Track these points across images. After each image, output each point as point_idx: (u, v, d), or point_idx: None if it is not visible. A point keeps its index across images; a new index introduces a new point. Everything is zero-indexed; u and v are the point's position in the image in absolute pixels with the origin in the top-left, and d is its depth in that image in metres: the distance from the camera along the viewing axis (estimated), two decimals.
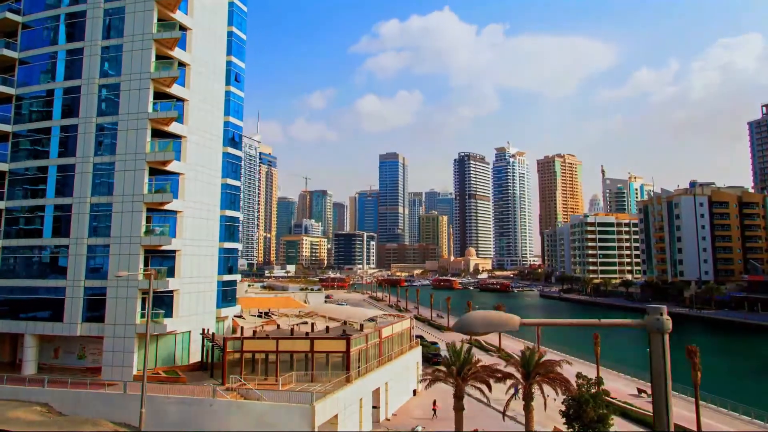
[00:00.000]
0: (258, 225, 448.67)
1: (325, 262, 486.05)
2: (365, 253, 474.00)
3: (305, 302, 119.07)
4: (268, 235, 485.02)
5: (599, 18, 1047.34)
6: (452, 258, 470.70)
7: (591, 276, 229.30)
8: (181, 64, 51.81)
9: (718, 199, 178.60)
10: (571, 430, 38.45)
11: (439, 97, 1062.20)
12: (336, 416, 39.66)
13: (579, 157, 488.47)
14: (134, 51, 48.48)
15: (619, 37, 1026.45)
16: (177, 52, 51.01)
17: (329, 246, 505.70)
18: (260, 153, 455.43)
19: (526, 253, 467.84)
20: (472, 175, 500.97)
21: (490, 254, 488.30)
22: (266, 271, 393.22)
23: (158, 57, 49.94)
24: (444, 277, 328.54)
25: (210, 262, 55.63)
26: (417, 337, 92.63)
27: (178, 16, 51.32)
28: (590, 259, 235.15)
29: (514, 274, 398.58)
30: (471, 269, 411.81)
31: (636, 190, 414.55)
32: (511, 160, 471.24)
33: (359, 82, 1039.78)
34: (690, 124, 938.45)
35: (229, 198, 61.20)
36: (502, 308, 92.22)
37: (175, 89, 50.77)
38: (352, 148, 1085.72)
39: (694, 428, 44.02)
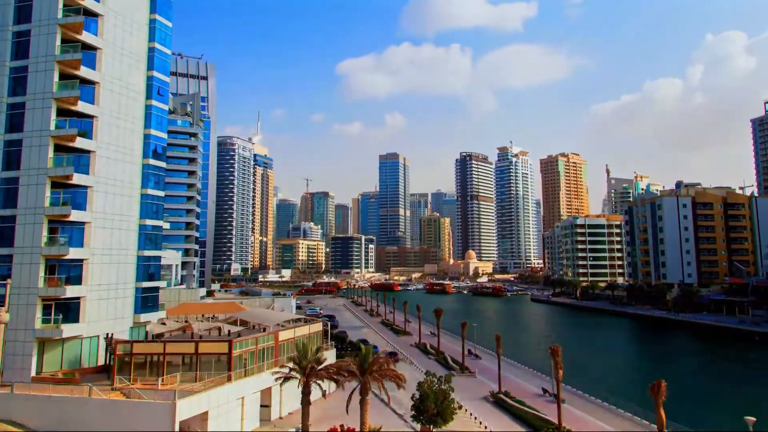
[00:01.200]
0: (253, 228, 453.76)
1: (323, 266, 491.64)
2: (363, 257, 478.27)
3: (271, 308, 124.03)
4: (265, 239, 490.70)
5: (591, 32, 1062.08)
6: (451, 261, 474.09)
7: (581, 279, 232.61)
8: (90, 83, 56.77)
9: (702, 200, 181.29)
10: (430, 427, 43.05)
11: (444, 101, 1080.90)
12: (206, 413, 44.40)
13: (584, 157, 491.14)
14: (38, 72, 53.59)
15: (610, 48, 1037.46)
16: (85, 71, 55.94)
17: (327, 249, 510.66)
18: (255, 155, 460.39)
19: (530, 256, 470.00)
20: (474, 176, 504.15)
21: (493, 257, 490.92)
22: (260, 276, 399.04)
23: (65, 76, 54.99)
24: (438, 282, 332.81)
25: (124, 270, 60.47)
26: (361, 340, 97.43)
27: (86, 37, 56.30)
28: (580, 262, 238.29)
29: (515, 277, 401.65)
30: (471, 273, 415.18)
31: (642, 189, 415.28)
32: (514, 159, 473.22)
33: (362, 91, 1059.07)
34: (688, 127, 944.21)
35: (151, 208, 65.91)
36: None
37: (84, 107, 55.70)
38: (358, 149, 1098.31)
39: (556, 420, 48.49)
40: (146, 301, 64.57)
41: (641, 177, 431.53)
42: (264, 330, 57.48)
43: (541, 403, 59.73)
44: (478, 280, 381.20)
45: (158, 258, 67.72)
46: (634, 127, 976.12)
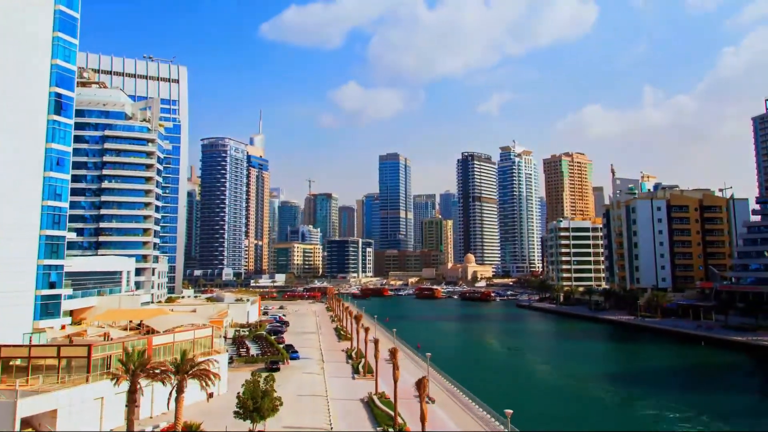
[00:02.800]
0: (247, 231, 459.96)
1: (320, 270, 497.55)
2: (360, 261, 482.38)
3: (222, 314, 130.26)
4: (260, 243, 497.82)
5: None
6: (450, 265, 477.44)
7: (564, 283, 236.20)
8: None
9: (677, 202, 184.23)
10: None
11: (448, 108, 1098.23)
12: (55, 411, 50.20)
13: (590, 157, 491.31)
14: None
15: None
16: None
17: (324, 253, 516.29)
18: (249, 156, 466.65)
19: (534, 259, 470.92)
20: (476, 177, 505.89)
21: (496, 260, 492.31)
22: (252, 281, 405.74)
23: None
24: (427, 287, 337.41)
25: (19, 279, 66.69)
26: (286, 346, 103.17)
27: None
28: (564, 266, 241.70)
29: (514, 281, 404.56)
30: (469, 277, 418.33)
31: (649, 190, 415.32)
32: (517, 159, 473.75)
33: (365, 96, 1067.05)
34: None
35: (52, 219, 72.15)
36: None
37: None
38: (363, 150, 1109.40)
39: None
40: (47, 308, 70.87)
41: (648, 177, 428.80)
42: (146, 333, 63.28)
43: (413, 404, 64.62)
44: (477, 284, 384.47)
45: (60, 267, 73.76)
46: (640, 127, 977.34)
